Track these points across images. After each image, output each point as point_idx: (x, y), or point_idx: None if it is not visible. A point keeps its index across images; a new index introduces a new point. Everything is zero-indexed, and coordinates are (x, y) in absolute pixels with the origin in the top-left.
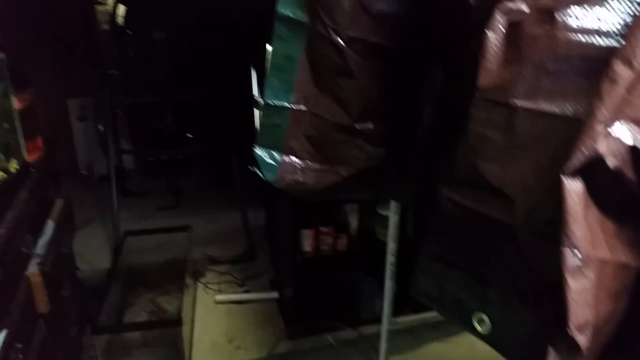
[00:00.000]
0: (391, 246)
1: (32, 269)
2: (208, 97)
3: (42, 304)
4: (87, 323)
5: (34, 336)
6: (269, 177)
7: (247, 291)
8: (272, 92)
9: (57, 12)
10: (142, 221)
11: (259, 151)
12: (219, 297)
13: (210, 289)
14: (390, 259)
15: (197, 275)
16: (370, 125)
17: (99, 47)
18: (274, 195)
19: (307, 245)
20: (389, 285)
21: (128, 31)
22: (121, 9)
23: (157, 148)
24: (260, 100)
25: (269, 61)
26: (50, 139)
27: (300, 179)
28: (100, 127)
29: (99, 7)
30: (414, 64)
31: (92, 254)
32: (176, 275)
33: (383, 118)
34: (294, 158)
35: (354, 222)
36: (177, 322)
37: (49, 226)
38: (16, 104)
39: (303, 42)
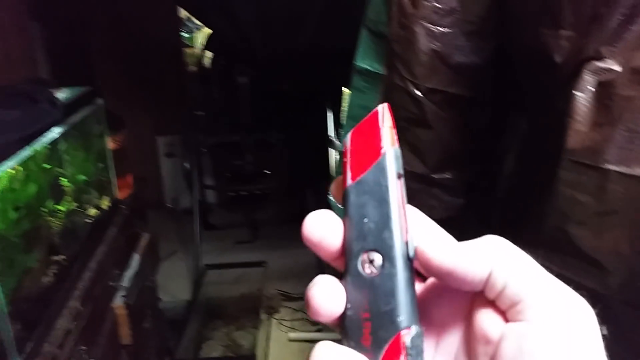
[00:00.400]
0: None
1: (117, 301)
2: (286, 137)
3: (125, 335)
4: (166, 354)
5: None
6: None
7: (319, 330)
8: None
9: (150, 56)
10: (221, 254)
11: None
12: (293, 335)
13: (284, 325)
14: None
15: (271, 311)
16: (448, 175)
17: (186, 88)
18: None
19: None
20: None
21: (214, 75)
22: (208, 54)
23: (237, 184)
24: (336, 141)
25: (346, 111)
26: (139, 175)
27: None
28: (186, 165)
29: (187, 50)
30: (495, 114)
31: (174, 285)
32: (251, 310)
33: (461, 168)
34: None
35: None
36: (251, 359)
37: (135, 260)
38: (110, 144)
39: (379, 93)
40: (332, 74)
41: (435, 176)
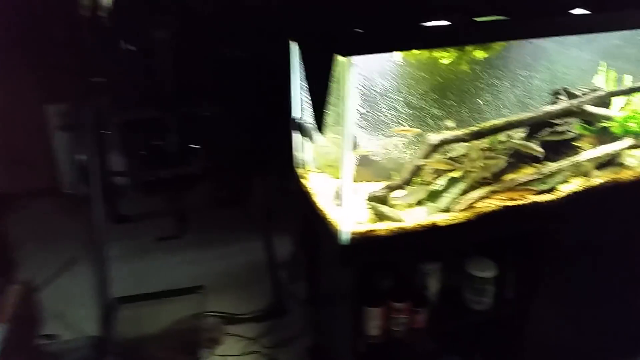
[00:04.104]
0: None
1: None
2: (224, 110)
3: None
4: None
5: None
6: None
7: None
8: None
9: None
10: (137, 257)
11: None
12: None
13: None
14: None
15: (210, 344)
16: None
17: (80, 46)
18: (317, 233)
19: (374, 327)
20: None
21: (118, 27)
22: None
23: (156, 165)
24: (306, 123)
25: None
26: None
27: None
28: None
29: None
30: None
31: (76, 313)
32: (184, 348)
33: None
34: None
35: (434, 285)
36: None
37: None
38: None
39: None
40: (297, 32)
41: None
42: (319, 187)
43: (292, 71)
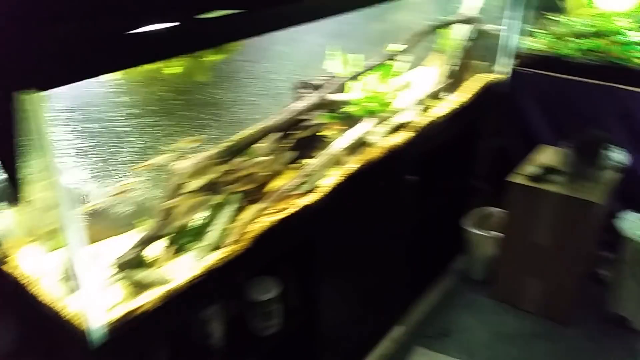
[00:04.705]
0: None
1: None
2: None
3: None
4: None
5: None
6: None
7: None
8: None
9: None
10: None
11: None
12: None
13: None
14: None
15: None
16: None
17: None
18: (52, 332)
19: None
20: None
21: None
22: None
23: None
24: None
25: None
26: None
27: None
28: None
29: None
30: None
31: None
32: None
33: None
34: None
35: (218, 330)
36: None
37: None
38: None
39: None
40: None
41: None
42: (38, 267)
43: None
